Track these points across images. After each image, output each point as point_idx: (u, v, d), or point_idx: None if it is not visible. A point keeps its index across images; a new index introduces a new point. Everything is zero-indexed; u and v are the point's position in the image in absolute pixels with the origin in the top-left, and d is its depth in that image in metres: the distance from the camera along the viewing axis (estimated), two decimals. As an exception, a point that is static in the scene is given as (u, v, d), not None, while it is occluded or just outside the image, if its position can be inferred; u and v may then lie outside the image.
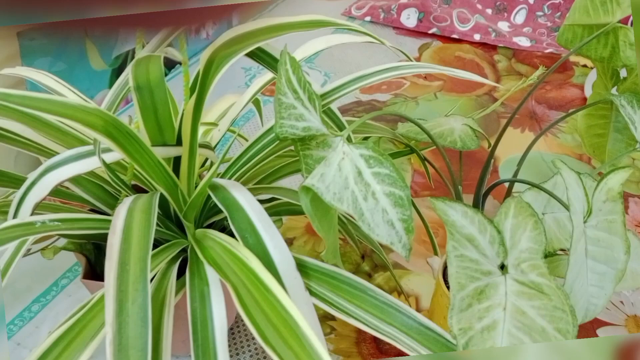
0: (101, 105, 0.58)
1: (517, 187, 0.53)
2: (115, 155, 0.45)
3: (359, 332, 0.65)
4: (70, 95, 0.58)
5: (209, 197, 0.47)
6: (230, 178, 0.55)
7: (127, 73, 0.47)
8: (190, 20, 0.36)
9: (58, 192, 0.54)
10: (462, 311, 0.37)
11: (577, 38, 0.52)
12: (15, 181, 0.52)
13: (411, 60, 0.59)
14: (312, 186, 0.36)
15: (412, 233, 0.35)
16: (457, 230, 0.39)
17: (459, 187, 0.54)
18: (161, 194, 0.46)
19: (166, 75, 1.10)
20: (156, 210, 0.42)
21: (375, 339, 0.65)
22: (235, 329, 0.66)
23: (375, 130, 0.60)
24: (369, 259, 0.74)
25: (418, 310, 0.68)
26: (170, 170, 0.47)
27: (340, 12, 1.35)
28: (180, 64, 1.06)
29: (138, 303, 0.35)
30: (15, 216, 0.45)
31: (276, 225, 0.44)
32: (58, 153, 0.47)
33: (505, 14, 1.31)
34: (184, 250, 0.48)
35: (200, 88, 0.45)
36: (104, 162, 0.45)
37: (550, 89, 1.08)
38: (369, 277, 0.72)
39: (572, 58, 1.16)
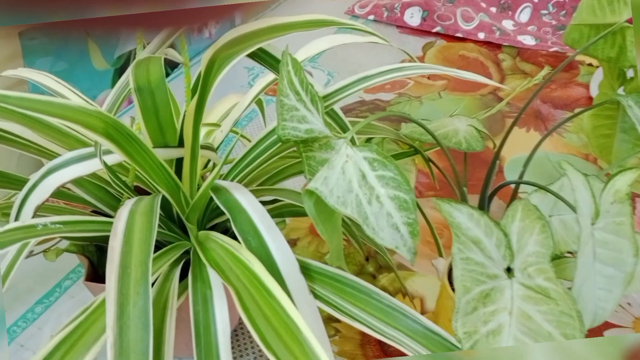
0: (102, 105, 0.58)
1: (523, 187, 0.53)
2: (116, 157, 0.45)
3: (364, 334, 0.65)
4: (71, 96, 0.57)
5: (211, 198, 0.47)
6: (233, 179, 0.55)
7: (128, 74, 0.47)
8: (191, 21, 0.36)
9: (60, 193, 0.54)
10: (467, 315, 0.36)
11: (584, 38, 0.52)
12: (16, 183, 0.52)
13: (415, 61, 0.58)
14: (315, 190, 0.35)
15: (417, 237, 0.35)
16: (462, 232, 0.38)
17: (464, 188, 0.53)
18: (163, 196, 0.46)
19: (169, 74, 1.09)
20: (158, 213, 0.42)
21: (380, 341, 0.64)
22: (239, 330, 0.65)
23: (379, 131, 0.59)
24: (373, 260, 0.73)
25: (423, 311, 0.67)
26: (172, 172, 0.47)
27: (343, 11, 1.34)
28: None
29: (139, 306, 0.35)
30: (16, 218, 0.45)
31: (279, 227, 0.43)
32: (59, 155, 0.47)
33: (510, 13, 1.30)
34: (187, 252, 0.48)
35: (201, 89, 0.44)
36: (105, 164, 0.44)
37: (555, 88, 1.07)
38: (373, 278, 0.71)
39: (578, 57, 1.15)
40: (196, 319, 0.39)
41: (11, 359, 0.63)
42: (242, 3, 0.36)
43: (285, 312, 0.36)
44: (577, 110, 1.01)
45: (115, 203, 0.55)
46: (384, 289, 0.70)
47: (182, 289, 0.45)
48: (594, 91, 1.03)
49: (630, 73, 0.53)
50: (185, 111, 0.46)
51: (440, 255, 0.65)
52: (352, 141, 0.39)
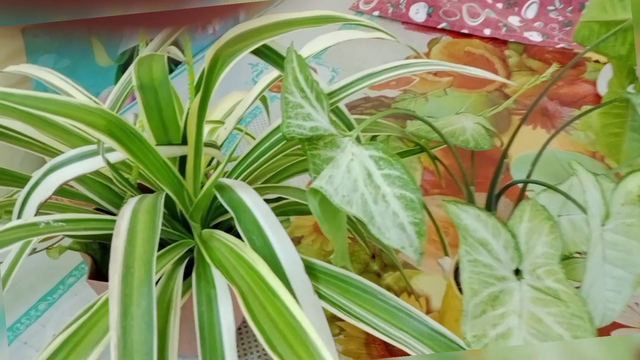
0: (106, 102, 0.57)
1: (531, 185, 0.52)
2: (119, 154, 0.44)
3: (369, 333, 0.64)
4: (74, 93, 0.57)
5: (215, 196, 0.46)
6: (237, 177, 0.54)
7: (131, 71, 0.47)
8: (193, 20, 0.35)
9: (62, 191, 0.53)
10: (476, 318, 0.36)
11: (594, 35, 0.51)
12: (19, 180, 0.52)
13: (421, 56, 0.57)
14: (320, 188, 0.35)
15: (424, 237, 0.34)
16: (469, 234, 0.38)
17: (471, 187, 0.53)
18: (167, 194, 0.45)
19: (172, 71, 1.09)
20: (162, 211, 0.41)
21: (384, 340, 0.64)
22: (243, 328, 0.65)
23: (384, 129, 0.58)
24: (378, 259, 0.73)
25: (428, 311, 0.67)
26: (175, 169, 0.46)
27: (348, 7, 1.33)
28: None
29: (143, 307, 0.35)
30: (19, 216, 0.44)
31: (284, 225, 0.43)
32: (62, 152, 0.46)
33: (516, 9, 1.29)
34: (190, 250, 0.48)
35: (205, 86, 0.44)
36: (108, 162, 0.44)
37: (562, 85, 1.06)
38: (378, 276, 0.71)
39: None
40: (201, 319, 0.39)
41: (14, 356, 0.63)
42: (244, 2, 0.35)
43: (289, 313, 0.36)
44: (584, 107, 1.00)
45: (119, 200, 0.55)
46: (389, 287, 0.70)
47: (186, 287, 0.45)
48: (601, 88, 1.02)
49: (640, 70, 0.52)
50: (188, 108, 0.46)
51: (446, 254, 0.64)
52: (358, 139, 0.39)
